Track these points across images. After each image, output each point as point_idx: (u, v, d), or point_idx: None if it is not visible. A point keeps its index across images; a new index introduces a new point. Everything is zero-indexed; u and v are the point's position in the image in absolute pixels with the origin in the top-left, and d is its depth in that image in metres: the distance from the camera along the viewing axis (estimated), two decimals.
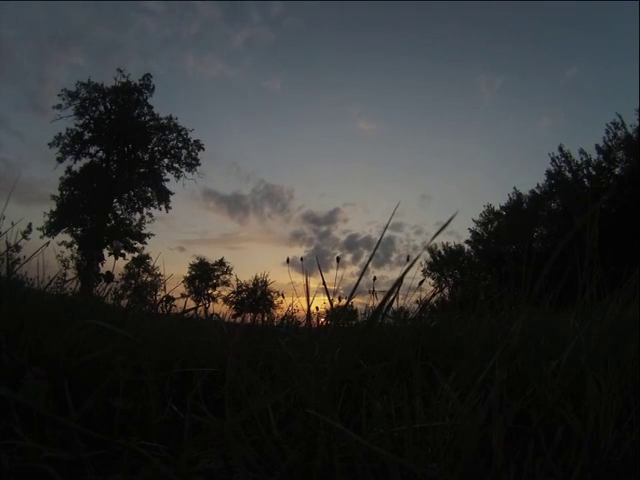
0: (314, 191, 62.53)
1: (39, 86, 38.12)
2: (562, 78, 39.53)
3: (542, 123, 40.64)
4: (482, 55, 47.01)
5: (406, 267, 0.65)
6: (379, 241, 0.73)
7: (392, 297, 0.69)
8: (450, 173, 50.81)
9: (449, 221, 0.59)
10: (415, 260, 0.70)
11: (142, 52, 39.82)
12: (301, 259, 2.79)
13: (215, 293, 30.65)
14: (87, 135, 26.31)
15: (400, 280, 0.69)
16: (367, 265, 0.75)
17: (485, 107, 42.28)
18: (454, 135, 51.62)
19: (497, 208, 27.15)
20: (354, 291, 0.81)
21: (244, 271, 31.62)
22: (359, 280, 0.78)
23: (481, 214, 27.78)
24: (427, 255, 28.62)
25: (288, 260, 2.72)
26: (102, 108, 26.54)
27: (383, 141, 51.88)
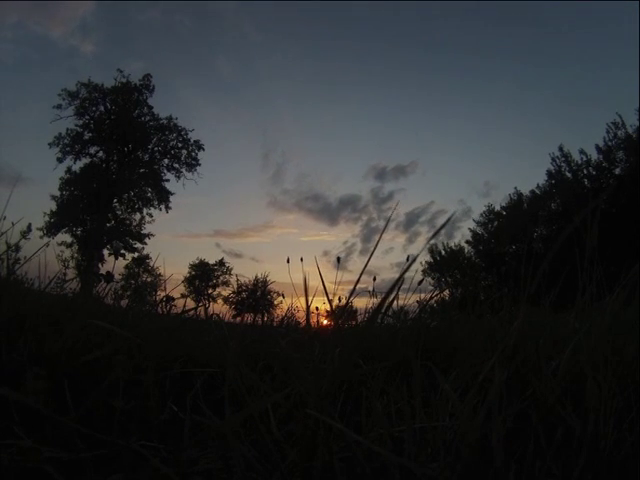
0: (385, 134, 46.15)
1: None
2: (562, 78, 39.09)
3: None
4: None
5: (405, 267, 0.65)
6: (379, 240, 0.73)
7: (392, 297, 0.69)
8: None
9: (447, 222, 0.59)
10: (414, 259, 0.70)
11: None
12: (301, 259, 2.78)
13: (215, 293, 30.69)
14: (87, 135, 26.34)
15: (398, 280, 0.69)
16: (368, 262, 0.75)
17: None
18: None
19: (497, 208, 27.19)
20: (354, 291, 0.81)
21: (274, 264, 30.48)
22: (359, 279, 0.78)
23: (481, 214, 27.79)
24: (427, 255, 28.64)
25: (288, 260, 2.72)
26: (102, 108, 26.59)
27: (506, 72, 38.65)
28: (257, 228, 41.68)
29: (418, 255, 0.68)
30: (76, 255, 24.34)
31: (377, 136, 48.29)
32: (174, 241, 35.46)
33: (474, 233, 27.84)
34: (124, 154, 26.75)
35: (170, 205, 27.54)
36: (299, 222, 42.49)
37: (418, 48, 42.60)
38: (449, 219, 0.59)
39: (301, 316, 3.04)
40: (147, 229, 27.29)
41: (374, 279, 2.77)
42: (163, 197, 27.45)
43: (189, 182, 27.79)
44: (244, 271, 36.58)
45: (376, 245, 0.72)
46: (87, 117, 26.35)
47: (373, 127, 47.49)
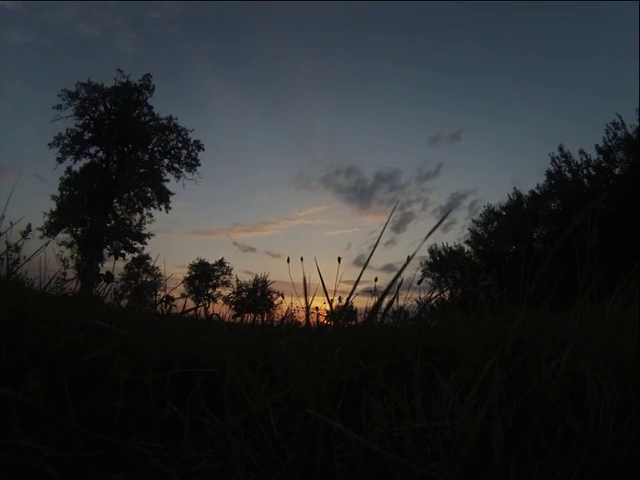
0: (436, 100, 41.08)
1: None
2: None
3: None
4: None
5: (403, 266, 0.65)
6: (380, 237, 0.73)
7: (391, 296, 0.69)
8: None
9: (443, 219, 0.58)
10: (411, 258, 0.69)
11: None
12: (301, 259, 2.78)
13: (215, 293, 30.72)
14: (87, 135, 26.32)
15: (395, 279, 0.69)
16: (367, 262, 0.75)
17: None
18: None
19: (497, 208, 27.18)
20: (353, 290, 0.81)
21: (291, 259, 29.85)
22: (359, 278, 0.78)
23: (481, 214, 27.82)
24: (427, 255, 28.62)
25: (288, 260, 2.72)
26: (102, 108, 26.57)
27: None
28: (279, 221, 40.33)
29: (414, 254, 0.68)
30: (76, 255, 24.37)
31: (427, 102, 43.55)
32: (190, 236, 34.81)
33: (474, 233, 27.87)
34: (124, 154, 26.74)
35: (170, 205, 27.57)
36: (324, 214, 39.90)
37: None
38: (445, 217, 0.59)
39: (301, 316, 3.04)
40: (150, 228, 27.30)
41: (375, 279, 2.77)
42: (163, 197, 27.45)
43: (203, 174, 27.71)
44: (255, 267, 35.78)
45: (378, 241, 0.72)
46: (87, 117, 26.33)
47: (424, 94, 42.14)
